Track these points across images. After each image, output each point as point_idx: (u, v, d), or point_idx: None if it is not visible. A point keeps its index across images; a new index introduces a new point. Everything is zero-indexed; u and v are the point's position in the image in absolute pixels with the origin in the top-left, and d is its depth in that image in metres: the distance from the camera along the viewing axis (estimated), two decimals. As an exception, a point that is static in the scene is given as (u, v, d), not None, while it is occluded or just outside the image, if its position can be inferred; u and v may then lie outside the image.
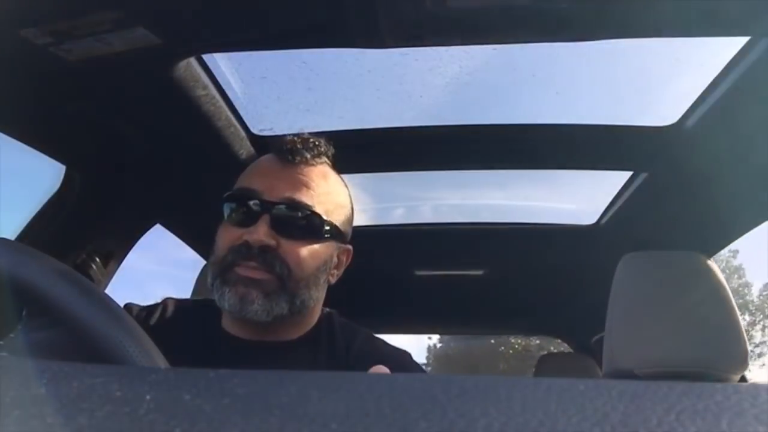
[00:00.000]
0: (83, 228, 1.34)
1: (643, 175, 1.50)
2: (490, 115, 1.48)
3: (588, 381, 0.25)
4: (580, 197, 1.95)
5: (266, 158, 0.93)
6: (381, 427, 0.21)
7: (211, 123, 1.26)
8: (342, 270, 0.96)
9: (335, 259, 0.93)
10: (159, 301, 0.97)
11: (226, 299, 0.83)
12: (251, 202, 0.86)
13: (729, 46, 1.06)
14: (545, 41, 0.98)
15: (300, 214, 0.86)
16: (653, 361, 1.09)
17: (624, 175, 1.58)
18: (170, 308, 0.94)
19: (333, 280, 0.94)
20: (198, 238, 1.76)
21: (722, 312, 1.11)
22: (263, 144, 1.44)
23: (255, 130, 1.43)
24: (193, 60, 1.10)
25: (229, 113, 1.29)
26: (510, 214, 2.04)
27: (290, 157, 0.88)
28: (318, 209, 0.87)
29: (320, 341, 0.92)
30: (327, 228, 0.88)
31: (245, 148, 1.40)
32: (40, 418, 0.21)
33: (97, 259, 1.39)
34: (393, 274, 2.18)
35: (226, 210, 0.89)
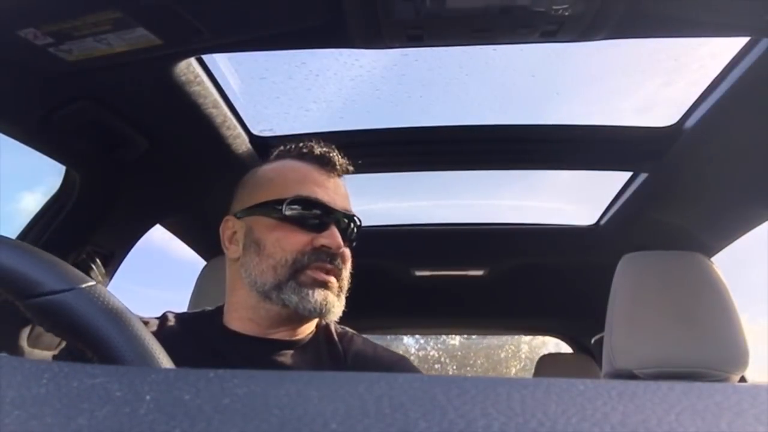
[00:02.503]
0: (83, 228, 1.34)
1: (643, 176, 1.50)
2: (490, 115, 1.48)
3: (588, 381, 0.25)
4: (580, 197, 1.95)
5: (308, 168, 0.97)
6: (381, 427, 0.21)
7: (210, 123, 1.26)
8: None
9: None
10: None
11: (310, 300, 0.88)
12: (320, 209, 0.92)
13: (729, 46, 1.06)
14: (545, 41, 0.98)
15: (354, 224, 0.96)
16: (653, 361, 1.09)
17: (624, 176, 1.58)
18: (171, 319, 0.95)
19: None
20: (198, 237, 1.76)
21: (722, 312, 1.11)
22: (263, 144, 1.44)
23: (255, 131, 1.43)
24: (193, 60, 1.10)
25: (229, 113, 1.29)
26: (510, 215, 2.05)
27: (336, 170, 0.98)
28: (358, 219, 0.97)
29: (320, 346, 0.95)
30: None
31: (245, 149, 1.40)
32: (40, 418, 0.21)
33: (97, 259, 1.39)
34: (393, 274, 2.18)
35: (285, 212, 0.91)
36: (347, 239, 0.94)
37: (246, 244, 0.93)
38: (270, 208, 0.92)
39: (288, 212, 0.91)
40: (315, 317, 0.90)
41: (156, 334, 0.89)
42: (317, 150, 0.97)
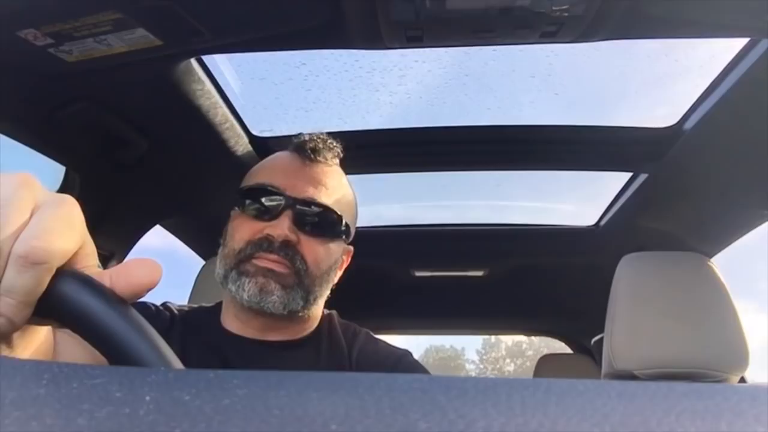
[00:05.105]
0: (83, 228, 1.33)
1: (643, 176, 1.50)
2: (489, 115, 1.48)
3: (588, 381, 0.25)
4: (580, 198, 1.95)
5: (285, 155, 0.95)
6: (381, 427, 0.21)
7: (210, 124, 1.26)
8: (342, 270, 0.98)
9: (341, 259, 0.95)
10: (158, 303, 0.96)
11: (245, 289, 0.84)
12: (274, 197, 0.88)
13: (729, 47, 1.06)
14: (545, 42, 0.98)
15: (320, 212, 0.88)
16: (653, 361, 1.09)
17: (624, 176, 1.58)
18: (174, 311, 0.94)
19: (335, 280, 0.96)
20: (198, 238, 1.77)
21: (722, 312, 1.11)
22: (263, 145, 1.44)
23: (255, 131, 1.43)
24: (193, 61, 1.10)
25: (229, 114, 1.29)
26: (510, 215, 2.05)
27: (312, 156, 0.91)
28: (335, 209, 0.90)
29: (321, 342, 0.93)
30: (342, 228, 0.91)
31: (245, 149, 1.41)
32: (40, 418, 0.21)
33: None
34: (393, 275, 2.18)
35: (244, 202, 0.90)
36: (310, 229, 0.87)
37: (222, 238, 0.93)
38: (236, 199, 0.92)
39: (244, 201, 0.90)
40: (255, 307, 0.84)
41: (160, 325, 0.88)
42: (302, 138, 0.93)
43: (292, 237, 0.85)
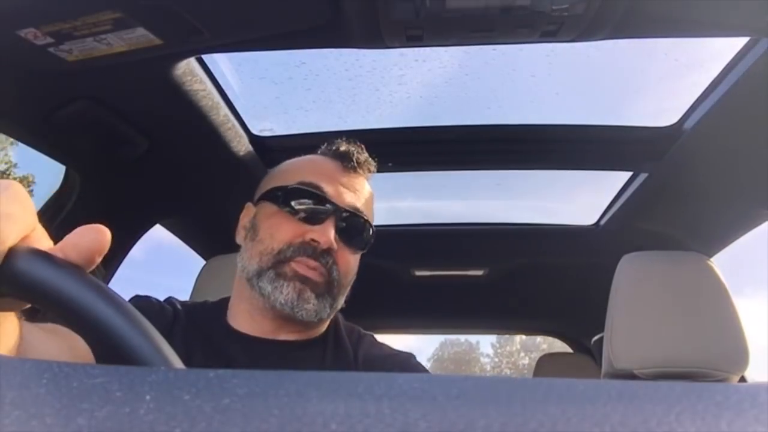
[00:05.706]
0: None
1: (643, 176, 1.50)
2: (489, 115, 1.48)
3: (588, 381, 0.25)
4: (580, 197, 1.95)
5: (326, 161, 0.95)
6: (381, 427, 0.21)
7: (210, 123, 1.26)
8: None
9: None
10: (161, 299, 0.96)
11: (282, 292, 0.84)
12: (320, 203, 0.88)
13: (729, 46, 1.06)
14: (545, 41, 0.98)
15: (360, 223, 0.91)
16: (653, 361, 1.09)
17: (624, 176, 1.58)
18: (177, 307, 0.93)
19: None
20: (198, 237, 1.76)
21: (722, 312, 1.11)
22: (263, 144, 1.44)
23: (255, 131, 1.43)
24: (192, 60, 1.10)
25: (229, 113, 1.29)
26: (510, 215, 2.04)
27: (356, 168, 0.93)
28: (370, 220, 0.93)
29: (327, 342, 0.93)
30: (370, 239, 0.94)
31: (245, 149, 1.40)
32: (40, 418, 0.21)
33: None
34: (393, 274, 2.18)
35: (281, 200, 0.90)
36: (347, 239, 0.89)
37: (247, 230, 0.93)
38: (273, 194, 0.91)
39: (286, 200, 0.89)
40: (287, 312, 0.84)
41: (165, 322, 0.86)
42: (342, 146, 0.95)
43: (335, 245, 0.87)
